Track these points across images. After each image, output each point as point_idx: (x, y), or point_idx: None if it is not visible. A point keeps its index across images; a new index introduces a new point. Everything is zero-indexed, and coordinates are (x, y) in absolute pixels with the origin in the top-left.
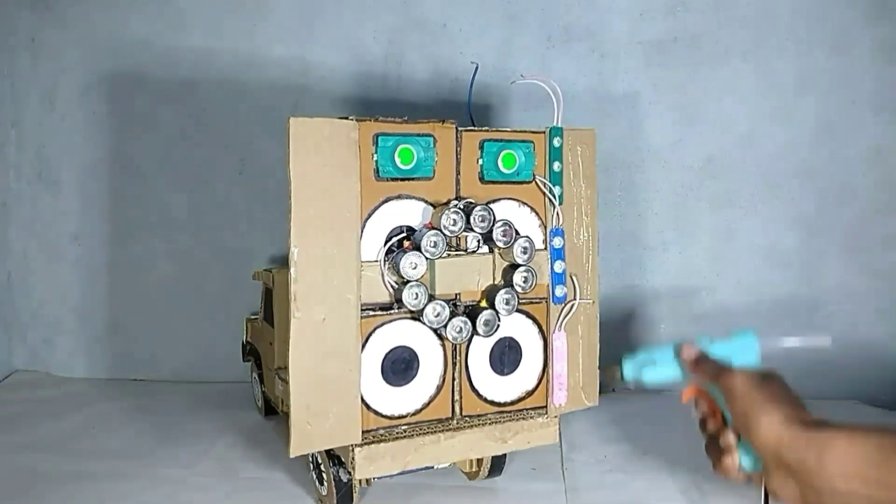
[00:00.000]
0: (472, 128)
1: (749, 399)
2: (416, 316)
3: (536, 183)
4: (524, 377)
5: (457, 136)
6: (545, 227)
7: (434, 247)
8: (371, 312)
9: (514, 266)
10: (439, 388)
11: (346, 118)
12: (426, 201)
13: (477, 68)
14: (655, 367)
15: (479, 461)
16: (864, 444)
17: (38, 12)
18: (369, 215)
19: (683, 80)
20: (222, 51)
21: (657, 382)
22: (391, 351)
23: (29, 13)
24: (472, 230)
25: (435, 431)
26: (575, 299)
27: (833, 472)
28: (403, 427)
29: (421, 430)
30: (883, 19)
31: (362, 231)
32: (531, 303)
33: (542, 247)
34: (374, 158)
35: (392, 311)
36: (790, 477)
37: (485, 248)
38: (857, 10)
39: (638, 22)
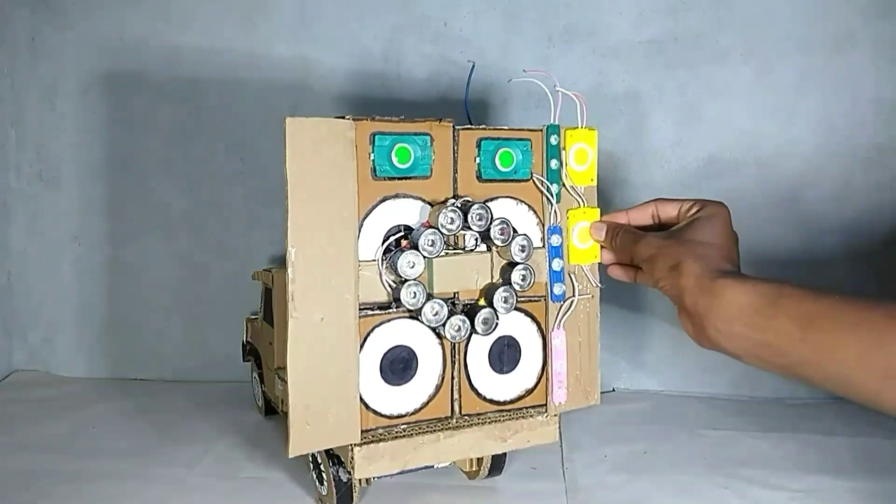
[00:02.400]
0: (469, 126)
1: (659, 258)
2: (415, 315)
3: (534, 181)
4: (523, 375)
5: (454, 135)
6: (543, 225)
7: (432, 245)
8: (369, 312)
9: (512, 264)
10: (438, 388)
11: (343, 117)
12: (423, 200)
13: (473, 67)
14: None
15: (479, 460)
16: (755, 292)
17: (38, 12)
18: (366, 214)
19: (683, 80)
20: (222, 51)
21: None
22: (390, 350)
23: (29, 13)
24: (469, 228)
25: (434, 431)
26: (574, 296)
27: (720, 314)
28: (403, 426)
29: (420, 429)
30: (884, 19)
31: (360, 230)
32: (530, 301)
33: (541, 245)
34: (371, 157)
35: (390, 311)
36: (688, 316)
37: (483, 247)
38: (858, 10)
39: (638, 22)
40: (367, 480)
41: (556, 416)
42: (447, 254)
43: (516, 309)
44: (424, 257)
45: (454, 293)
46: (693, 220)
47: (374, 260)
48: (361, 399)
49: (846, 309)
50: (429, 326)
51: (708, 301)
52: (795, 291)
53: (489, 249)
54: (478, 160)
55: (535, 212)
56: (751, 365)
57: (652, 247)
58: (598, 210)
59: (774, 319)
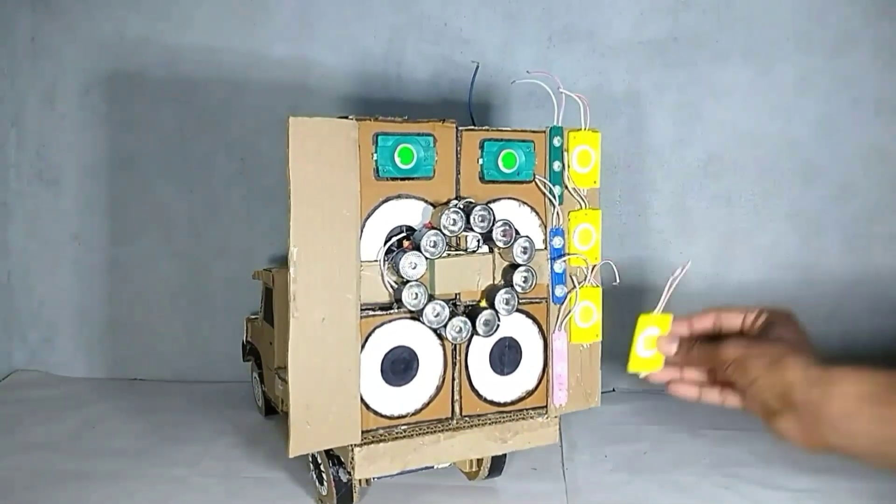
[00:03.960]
0: (473, 127)
1: (756, 357)
2: (416, 316)
3: (536, 183)
4: (524, 377)
5: (457, 136)
6: (545, 227)
7: (434, 246)
8: (371, 312)
9: (513, 266)
10: (439, 388)
11: (346, 117)
12: (426, 201)
13: (478, 67)
14: None
15: (479, 461)
16: (872, 381)
17: (38, 12)
18: (369, 215)
19: (684, 80)
20: (222, 51)
21: None
22: (391, 351)
23: (29, 13)
24: (471, 230)
25: (435, 431)
26: (575, 287)
27: (836, 407)
28: (403, 427)
29: (421, 430)
30: (884, 19)
31: (362, 231)
32: (531, 303)
33: (542, 246)
34: (374, 158)
35: (392, 311)
36: (795, 415)
37: (485, 248)
38: (858, 10)
39: (638, 22)
40: (367, 481)
41: (556, 417)
42: (449, 255)
43: (518, 310)
44: (426, 258)
45: (456, 294)
46: (770, 324)
47: (376, 260)
48: (362, 399)
49: None
50: (430, 327)
51: (821, 393)
52: None
53: (491, 251)
54: (481, 161)
55: (537, 213)
56: (869, 464)
57: (741, 347)
58: (600, 212)
59: None
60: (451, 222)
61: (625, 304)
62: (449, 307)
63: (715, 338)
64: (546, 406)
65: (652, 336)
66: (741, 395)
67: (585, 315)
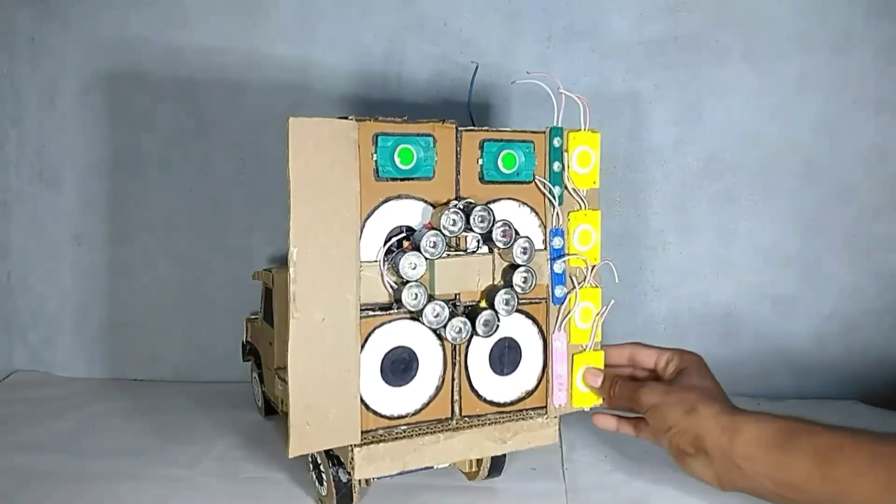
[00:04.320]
0: (472, 128)
1: (669, 408)
2: (416, 316)
3: (536, 183)
4: (524, 377)
5: (457, 136)
6: (545, 228)
7: (433, 247)
8: (370, 313)
9: (513, 266)
10: (439, 389)
11: (346, 118)
12: (426, 201)
13: (477, 68)
14: None
15: (479, 461)
16: (771, 428)
17: (38, 12)
18: (369, 215)
19: (683, 80)
20: (222, 50)
21: None
22: (390, 351)
23: (29, 13)
24: (471, 230)
25: (434, 432)
26: (575, 287)
27: (741, 451)
28: (403, 427)
29: (420, 430)
30: (884, 19)
31: (362, 231)
32: (531, 303)
33: (542, 247)
34: (374, 158)
35: (391, 312)
36: (707, 459)
37: (484, 249)
38: (858, 10)
39: (638, 22)
40: (367, 481)
41: (556, 417)
42: (449, 255)
43: (517, 311)
44: (426, 259)
45: (455, 295)
46: (683, 371)
47: (376, 261)
48: (362, 400)
49: (860, 442)
50: (430, 328)
51: (729, 438)
52: (808, 426)
53: (491, 251)
54: (480, 162)
55: (537, 214)
56: None
57: (658, 394)
58: (599, 212)
59: (793, 455)
60: (451, 223)
61: (625, 303)
62: (449, 307)
63: (633, 377)
64: (546, 406)
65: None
66: (656, 436)
67: (585, 315)
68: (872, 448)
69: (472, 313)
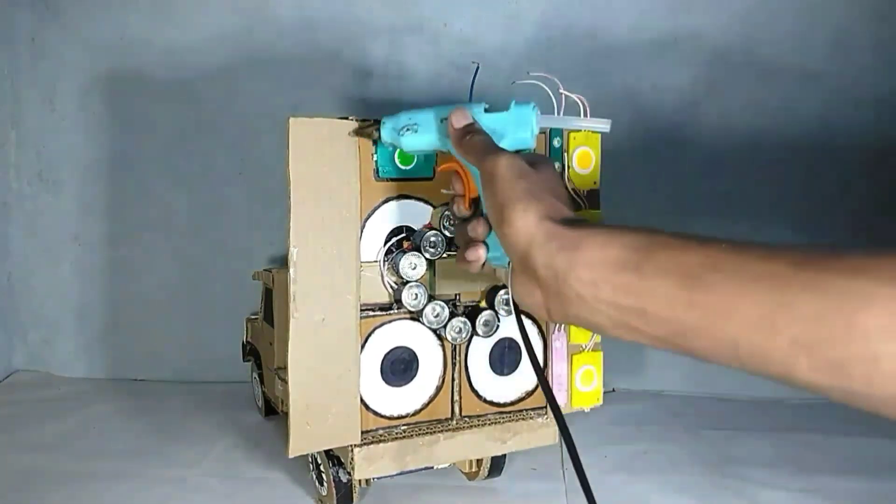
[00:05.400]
0: None
1: (508, 188)
2: (416, 316)
3: None
4: (524, 378)
5: None
6: None
7: (434, 247)
8: (370, 313)
9: None
10: (439, 389)
11: (346, 118)
12: (426, 202)
13: (478, 68)
14: (416, 134)
15: (479, 461)
16: (621, 244)
17: (38, 12)
18: (369, 216)
19: (683, 80)
20: (222, 51)
21: (417, 149)
22: (390, 351)
23: (29, 13)
24: None
25: (434, 432)
26: None
27: (582, 275)
28: (403, 427)
29: (420, 430)
30: (884, 19)
31: (362, 231)
32: None
33: None
34: (374, 158)
35: (391, 312)
36: (536, 282)
37: None
38: (858, 10)
39: (638, 22)
40: (367, 481)
41: None
42: (449, 256)
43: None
44: (426, 259)
45: (455, 295)
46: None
47: (376, 261)
48: (362, 400)
49: (741, 259)
50: (430, 328)
51: (567, 259)
52: (673, 240)
53: None
54: None
55: None
56: (616, 338)
57: (502, 165)
58: (600, 212)
59: (651, 277)
60: (451, 223)
61: None
62: (449, 308)
63: None
64: (545, 406)
65: (589, 371)
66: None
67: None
68: (758, 265)
69: (472, 314)
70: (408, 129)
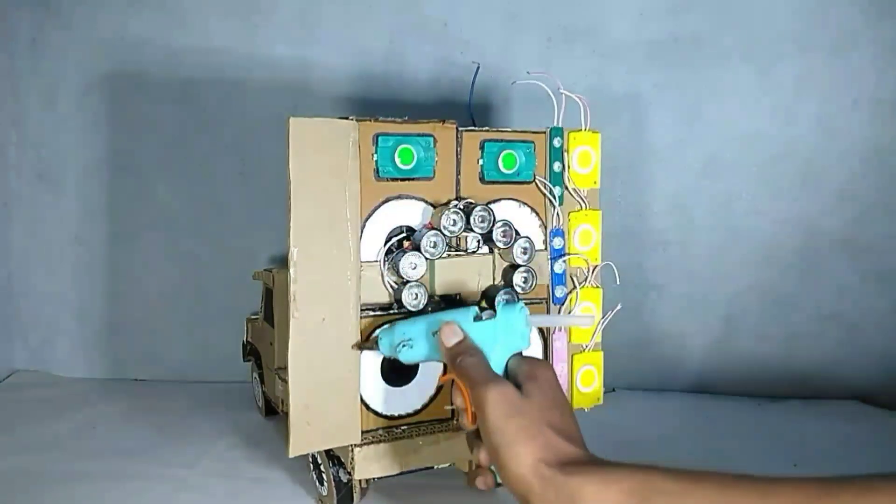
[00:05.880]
0: (473, 128)
1: (499, 429)
2: None
3: (537, 183)
4: None
5: (457, 137)
6: (545, 228)
7: (434, 247)
8: (371, 313)
9: (514, 266)
10: (439, 389)
11: (346, 118)
12: (426, 201)
13: (478, 68)
14: (412, 349)
15: None
16: (618, 490)
17: (38, 12)
18: (369, 215)
19: (683, 80)
20: (222, 51)
21: (418, 360)
22: None
23: (29, 13)
24: (472, 230)
25: (434, 432)
26: (575, 287)
27: None
28: (403, 427)
29: (420, 430)
30: (884, 19)
31: (362, 231)
32: (531, 303)
33: (543, 247)
34: (374, 158)
35: (392, 312)
36: None
37: (485, 249)
38: (858, 10)
39: (638, 22)
40: (367, 481)
41: None
42: (449, 255)
43: None
44: (426, 259)
45: (456, 295)
46: (533, 376)
47: (376, 261)
48: (362, 400)
49: (731, 499)
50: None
51: None
52: (669, 484)
53: (491, 251)
54: (481, 162)
55: (537, 214)
56: None
57: (498, 406)
58: (600, 212)
59: None
60: (452, 223)
61: (625, 303)
62: None
63: None
64: None
65: (589, 371)
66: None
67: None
68: (746, 501)
69: None
70: (403, 345)
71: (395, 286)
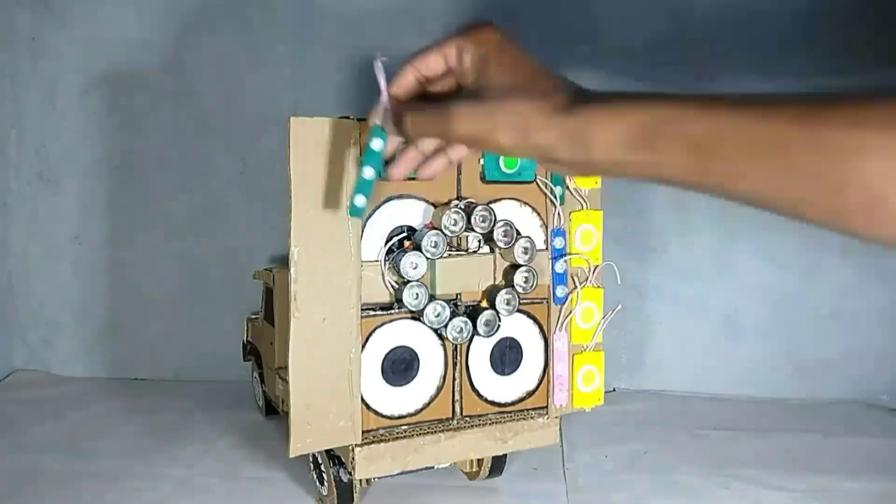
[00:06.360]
0: None
1: (488, 106)
2: (417, 316)
3: (538, 183)
4: (525, 377)
5: None
6: (546, 228)
7: (435, 247)
8: (371, 312)
9: (514, 266)
10: (440, 389)
11: (347, 118)
12: (427, 201)
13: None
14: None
15: (480, 461)
16: (625, 123)
17: (38, 12)
18: (370, 215)
19: (683, 81)
20: (222, 51)
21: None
22: (391, 351)
23: (29, 13)
24: (472, 230)
25: (435, 432)
26: (576, 287)
27: (602, 161)
28: (404, 427)
29: (421, 430)
30: (884, 20)
31: (363, 231)
32: (532, 303)
33: (544, 247)
34: None
35: (392, 311)
36: (565, 166)
37: (486, 249)
38: (858, 12)
39: (638, 22)
40: (368, 481)
41: (557, 417)
42: (450, 255)
43: (518, 311)
44: (427, 258)
45: (456, 294)
46: (484, 60)
47: (377, 260)
48: (362, 399)
49: (742, 123)
50: (431, 327)
51: (584, 151)
52: (672, 111)
53: (492, 251)
54: (482, 161)
55: (538, 214)
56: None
57: (473, 119)
58: (601, 213)
59: (662, 152)
60: (452, 222)
61: (624, 303)
62: (450, 307)
63: (425, 94)
64: (546, 406)
65: (590, 371)
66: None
67: (586, 316)
68: (757, 129)
69: (473, 313)
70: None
71: (396, 286)
